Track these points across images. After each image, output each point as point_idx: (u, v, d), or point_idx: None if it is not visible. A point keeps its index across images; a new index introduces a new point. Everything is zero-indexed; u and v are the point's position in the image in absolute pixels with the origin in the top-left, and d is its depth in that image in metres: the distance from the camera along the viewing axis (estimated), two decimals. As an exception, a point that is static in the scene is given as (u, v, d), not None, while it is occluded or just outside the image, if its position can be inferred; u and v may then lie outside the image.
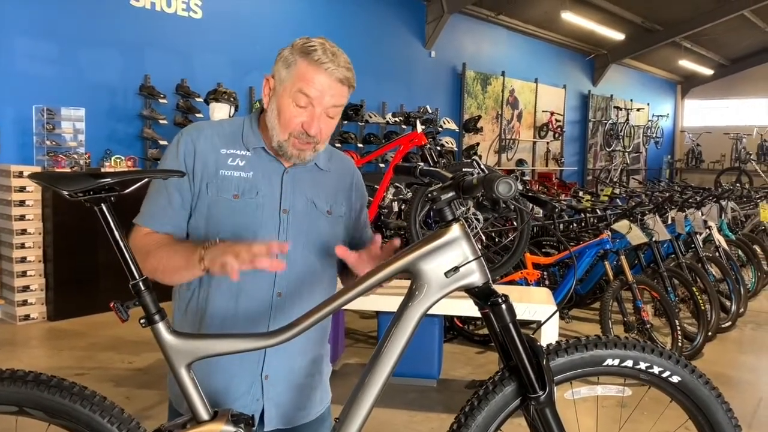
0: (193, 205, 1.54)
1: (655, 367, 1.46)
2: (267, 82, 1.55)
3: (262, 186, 1.54)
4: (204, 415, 1.34)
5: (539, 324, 2.93)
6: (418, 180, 1.60)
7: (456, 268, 1.37)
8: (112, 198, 1.29)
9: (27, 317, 5.49)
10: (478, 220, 4.67)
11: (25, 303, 5.48)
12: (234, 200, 1.52)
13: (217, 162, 1.54)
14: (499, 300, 1.37)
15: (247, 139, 1.57)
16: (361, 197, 1.75)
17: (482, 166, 3.65)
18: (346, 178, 1.70)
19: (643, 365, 1.45)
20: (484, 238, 4.88)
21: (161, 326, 1.32)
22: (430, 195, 1.40)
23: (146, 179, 1.37)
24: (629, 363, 1.45)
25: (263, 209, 1.54)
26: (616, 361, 1.45)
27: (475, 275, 1.39)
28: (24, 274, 5.48)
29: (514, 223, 5.49)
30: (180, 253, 1.43)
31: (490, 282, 1.40)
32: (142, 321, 1.32)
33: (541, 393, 1.38)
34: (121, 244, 1.30)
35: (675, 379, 1.46)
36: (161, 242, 1.50)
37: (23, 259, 5.48)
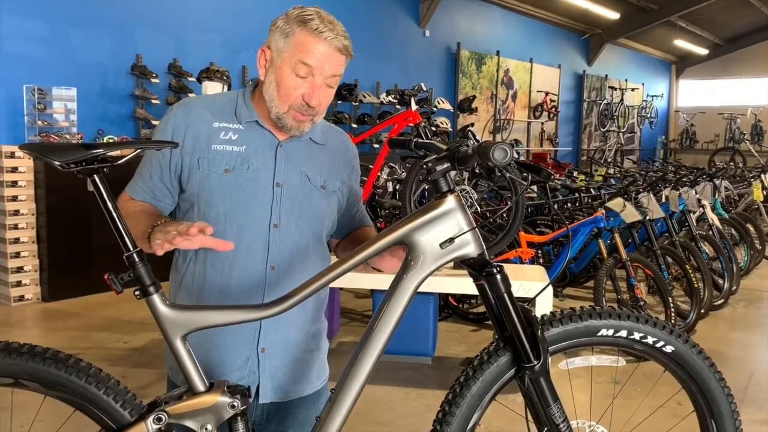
0: (185, 181, 1.54)
1: (649, 337, 1.46)
2: (263, 53, 1.53)
3: (254, 160, 1.53)
4: (200, 386, 1.34)
5: (532, 298, 2.94)
6: (413, 153, 1.60)
7: (451, 239, 1.37)
8: (105, 169, 1.28)
9: (21, 298, 5.48)
10: (472, 198, 4.68)
11: (18, 284, 5.47)
12: (225, 175, 1.51)
13: (210, 136, 1.53)
14: (494, 270, 1.37)
15: (241, 113, 1.56)
16: (356, 173, 1.74)
17: (477, 138, 3.64)
18: (341, 154, 1.69)
19: (637, 335, 1.46)
20: (478, 214, 4.89)
21: (156, 298, 1.31)
22: (425, 166, 1.39)
23: (139, 150, 1.36)
24: (623, 333, 1.45)
25: (256, 183, 1.53)
26: (611, 332, 1.45)
27: (470, 246, 1.38)
28: (17, 255, 5.47)
29: (509, 203, 5.49)
30: (140, 225, 1.44)
31: (485, 253, 1.40)
32: (137, 293, 1.31)
33: (535, 362, 1.38)
34: (115, 215, 1.29)
35: (669, 349, 1.47)
36: (135, 209, 1.52)
37: (16, 240, 5.46)
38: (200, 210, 1.53)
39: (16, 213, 5.45)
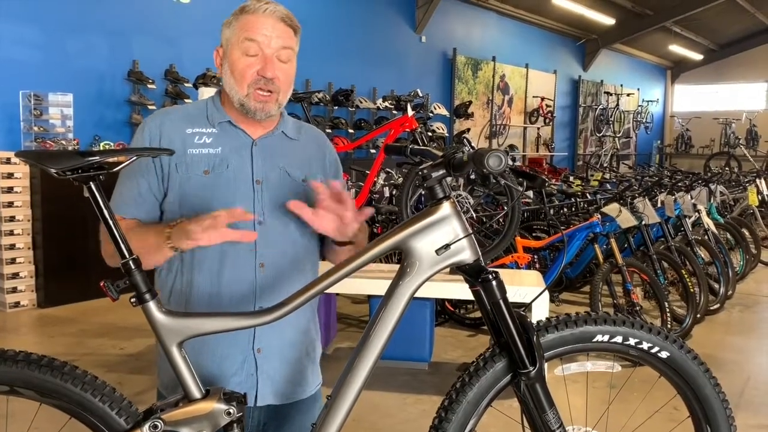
0: (165, 187, 1.55)
1: (644, 343, 1.47)
2: (217, 53, 1.59)
3: (232, 159, 1.55)
4: (196, 393, 1.34)
5: (528, 303, 2.94)
6: (409, 159, 1.60)
7: (447, 246, 1.38)
8: (101, 176, 1.28)
9: (17, 304, 5.46)
10: (469, 203, 4.68)
11: (14, 290, 5.45)
12: (205, 176, 1.53)
13: (184, 142, 1.55)
14: (490, 277, 1.37)
15: (212, 116, 1.58)
16: (336, 166, 1.74)
17: (472, 144, 3.65)
18: (318, 148, 1.70)
19: (632, 341, 1.46)
20: (474, 219, 4.89)
21: (152, 305, 1.31)
22: (420, 173, 1.39)
23: (135, 158, 1.36)
24: (619, 339, 1.46)
25: (236, 182, 1.54)
26: (606, 337, 1.46)
27: (465, 252, 1.39)
28: (13, 261, 5.45)
29: (505, 208, 5.50)
30: (148, 235, 1.44)
31: (481, 259, 1.41)
32: (132, 300, 1.31)
33: (531, 368, 1.38)
34: (111, 223, 1.29)
35: (664, 354, 1.47)
36: (130, 227, 1.50)
37: (12, 246, 5.45)
38: (182, 213, 1.53)
39: (12, 219, 5.44)
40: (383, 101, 9.24)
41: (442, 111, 10.22)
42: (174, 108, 1.65)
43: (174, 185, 1.54)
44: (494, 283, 1.38)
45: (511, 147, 12.43)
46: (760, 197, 8.37)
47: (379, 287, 3.44)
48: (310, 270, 1.64)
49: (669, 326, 4.47)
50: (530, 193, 6.26)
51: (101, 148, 6.14)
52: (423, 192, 5.03)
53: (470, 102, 11.00)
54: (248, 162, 1.56)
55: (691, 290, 4.81)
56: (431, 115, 9.93)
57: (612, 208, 4.89)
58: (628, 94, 16.14)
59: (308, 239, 1.65)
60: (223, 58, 1.56)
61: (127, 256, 1.30)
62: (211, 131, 1.57)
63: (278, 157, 1.60)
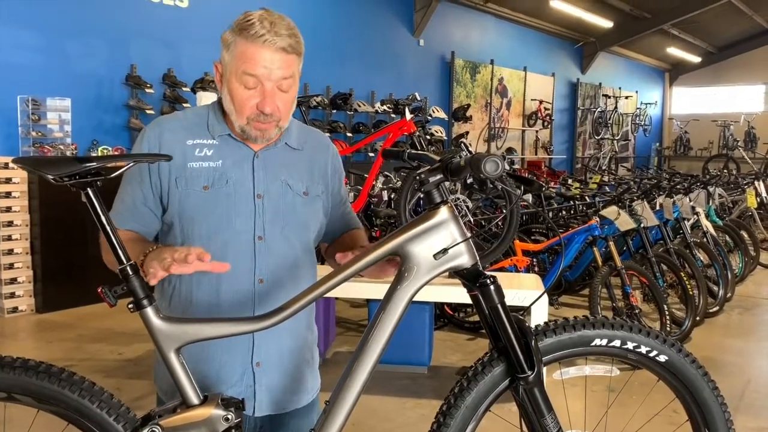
0: (165, 202, 1.53)
1: (642, 346, 1.47)
2: (216, 69, 1.53)
3: (232, 173, 1.52)
4: (194, 399, 1.33)
5: (527, 306, 2.94)
6: (406, 164, 1.60)
7: (445, 250, 1.38)
8: (99, 182, 1.28)
9: (15, 309, 5.45)
10: (467, 207, 4.69)
11: (12, 295, 5.44)
12: (204, 192, 1.50)
13: (185, 154, 1.52)
14: (488, 281, 1.37)
15: (213, 128, 1.55)
16: (339, 173, 1.72)
17: (470, 149, 3.66)
18: (321, 155, 1.67)
19: (630, 345, 1.46)
20: (473, 223, 4.89)
21: (150, 311, 1.31)
22: (418, 177, 1.39)
23: (132, 163, 1.36)
24: (617, 343, 1.46)
25: (236, 197, 1.52)
26: (604, 341, 1.46)
27: (463, 257, 1.39)
28: (11, 266, 5.44)
29: (504, 211, 5.50)
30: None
31: (479, 263, 1.40)
32: (130, 306, 1.31)
33: (529, 373, 1.38)
34: (108, 229, 1.29)
35: (662, 358, 1.47)
36: (124, 240, 1.47)
37: (10, 251, 5.44)
38: (183, 228, 1.52)
39: (10, 224, 5.43)
40: (381, 105, 9.24)
41: (441, 114, 10.24)
42: (174, 116, 1.60)
43: (174, 201, 1.51)
44: (492, 287, 1.38)
45: (510, 150, 12.44)
46: (758, 199, 8.38)
47: (378, 291, 3.44)
48: (310, 282, 1.62)
49: (668, 329, 4.47)
50: (529, 197, 6.27)
51: (99, 153, 6.14)
52: (421, 196, 5.03)
53: (468, 105, 11.02)
54: (249, 175, 1.53)
55: (690, 293, 4.81)
56: (429, 118, 9.94)
57: (610, 211, 4.89)
58: (627, 97, 16.17)
59: (309, 253, 1.64)
60: (222, 77, 1.51)
61: (125, 261, 1.30)
62: (212, 143, 1.53)
63: (280, 170, 1.57)
